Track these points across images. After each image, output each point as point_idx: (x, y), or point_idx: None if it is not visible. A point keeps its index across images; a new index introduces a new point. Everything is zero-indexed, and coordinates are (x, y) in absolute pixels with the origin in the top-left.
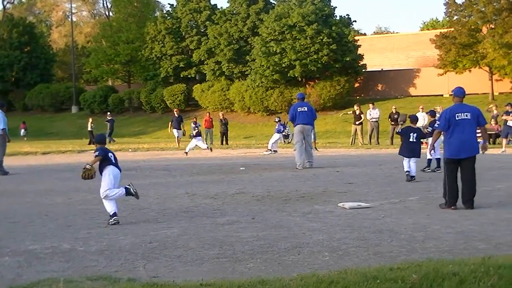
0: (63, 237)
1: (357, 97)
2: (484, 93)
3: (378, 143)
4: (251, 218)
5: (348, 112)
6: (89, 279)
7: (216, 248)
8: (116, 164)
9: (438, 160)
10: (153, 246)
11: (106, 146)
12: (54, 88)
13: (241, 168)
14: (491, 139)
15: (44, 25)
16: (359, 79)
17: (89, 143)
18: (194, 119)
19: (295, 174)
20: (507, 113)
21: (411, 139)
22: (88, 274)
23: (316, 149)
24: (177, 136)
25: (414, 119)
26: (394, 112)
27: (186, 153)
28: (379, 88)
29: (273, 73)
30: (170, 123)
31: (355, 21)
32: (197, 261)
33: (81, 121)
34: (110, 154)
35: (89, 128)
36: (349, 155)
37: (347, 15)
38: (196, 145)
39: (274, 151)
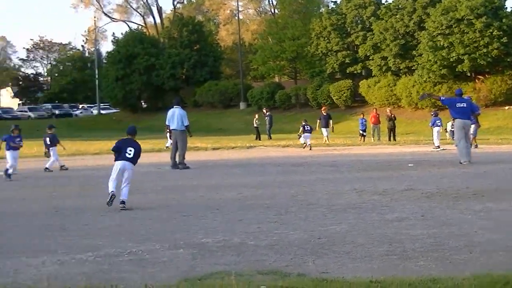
0: (233, 231)
1: None
2: None
3: None
4: (421, 215)
5: None
6: (260, 273)
7: (386, 245)
8: (126, 158)
9: None
10: (322, 241)
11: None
12: (222, 85)
13: (410, 165)
14: None
15: (212, 23)
16: None
17: (256, 138)
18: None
19: (465, 171)
20: None
21: None
22: (258, 268)
23: (476, 145)
24: (326, 135)
25: None
26: None
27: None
28: None
29: (440, 68)
30: (318, 121)
31: None
32: (366, 258)
33: (249, 117)
34: (129, 149)
35: (254, 125)
36: None
37: None
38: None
39: (437, 147)
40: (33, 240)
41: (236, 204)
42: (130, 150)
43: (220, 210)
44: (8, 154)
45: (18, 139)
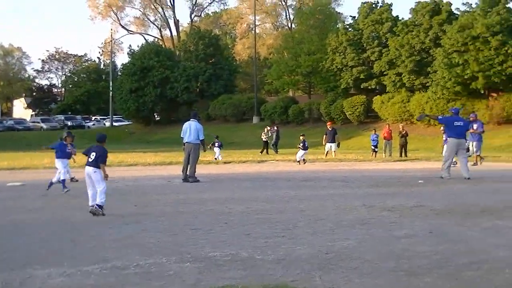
0: (241, 245)
1: None
2: None
3: None
4: (429, 232)
5: None
6: (266, 287)
7: (393, 261)
8: (89, 163)
9: None
10: (330, 257)
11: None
12: (236, 98)
13: (420, 181)
14: None
15: (228, 37)
16: None
17: (261, 152)
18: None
19: (475, 188)
20: None
21: None
22: (265, 282)
23: (479, 162)
24: (334, 150)
25: None
26: None
27: (299, 162)
28: None
29: (454, 84)
30: (324, 136)
31: None
32: (373, 273)
33: (262, 131)
34: (92, 154)
35: (263, 138)
36: None
37: None
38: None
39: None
40: (40, 251)
41: (245, 218)
42: (93, 155)
43: (228, 224)
44: (59, 162)
45: (70, 147)
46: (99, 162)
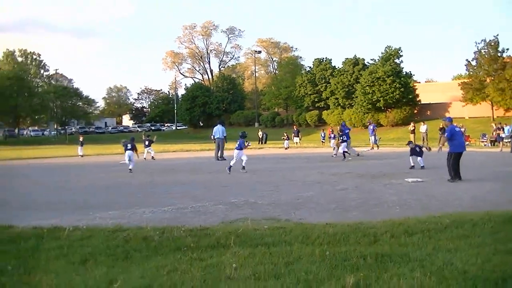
0: (250, 195)
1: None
2: (488, 116)
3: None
4: (355, 186)
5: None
6: (264, 218)
7: (335, 203)
8: (127, 149)
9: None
10: (300, 201)
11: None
12: (245, 113)
13: (349, 159)
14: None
15: (240, 78)
16: (415, 109)
17: (259, 143)
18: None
19: (379, 162)
20: (499, 128)
21: None
22: (264, 216)
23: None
24: (297, 141)
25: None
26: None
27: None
28: (428, 113)
29: (368, 105)
30: (293, 134)
31: (414, 74)
32: (324, 211)
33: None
34: (129, 146)
35: (259, 135)
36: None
37: (410, 71)
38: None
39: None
40: (137, 199)
41: (250, 180)
42: (129, 147)
43: (243, 183)
44: (236, 153)
45: (248, 143)
46: (133, 149)
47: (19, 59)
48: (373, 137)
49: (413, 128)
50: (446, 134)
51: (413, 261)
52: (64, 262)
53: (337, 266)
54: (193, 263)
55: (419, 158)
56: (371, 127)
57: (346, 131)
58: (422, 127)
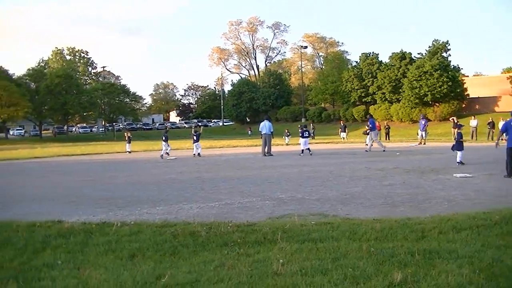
0: (297, 191)
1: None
2: None
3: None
4: (403, 182)
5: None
6: (311, 214)
7: (382, 199)
8: (194, 141)
9: None
10: (347, 197)
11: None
12: (292, 108)
13: (397, 153)
14: None
15: (287, 74)
16: (463, 103)
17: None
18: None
19: (427, 158)
20: None
21: None
22: (310, 211)
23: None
24: (344, 136)
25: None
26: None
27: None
28: (476, 107)
29: (415, 99)
30: (339, 129)
31: (462, 68)
32: (371, 206)
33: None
34: (195, 137)
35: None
36: None
37: (457, 65)
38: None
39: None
40: (185, 195)
41: (298, 176)
42: (196, 137)
43: (289, 179)
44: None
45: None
46: (198, 139)
47: (68, 57)
48: (424, 132)
49: (457, 121)
50: (500, 128)
51: (462, 258)
52: (112, 257)
53: (384, 262)
54: (240, 258)
55: (459, 152)
56: (423, 122)
57: (371, 124)
58: (472, 122)
